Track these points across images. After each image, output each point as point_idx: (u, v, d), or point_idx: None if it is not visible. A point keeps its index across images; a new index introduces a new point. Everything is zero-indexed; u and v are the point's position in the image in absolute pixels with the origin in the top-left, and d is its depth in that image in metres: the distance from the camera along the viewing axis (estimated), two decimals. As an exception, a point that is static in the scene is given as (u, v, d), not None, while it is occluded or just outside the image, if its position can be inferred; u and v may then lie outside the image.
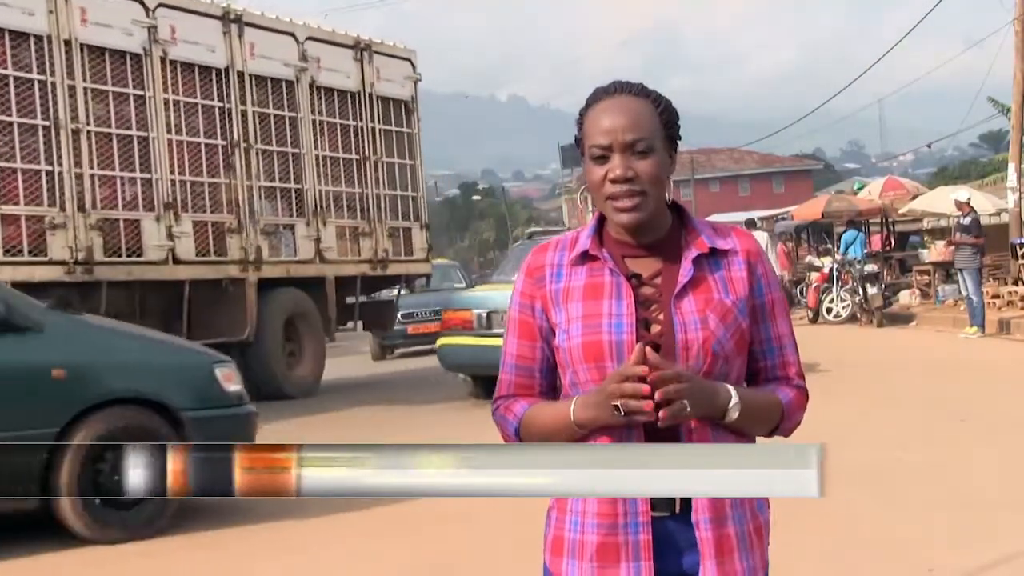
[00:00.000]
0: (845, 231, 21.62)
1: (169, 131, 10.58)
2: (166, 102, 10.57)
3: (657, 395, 1.81)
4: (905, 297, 21.31)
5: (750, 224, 22.42)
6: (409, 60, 14.17)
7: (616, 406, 1.83)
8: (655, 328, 1.95)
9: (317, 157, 12.43)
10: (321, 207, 12.36)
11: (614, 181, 1.94)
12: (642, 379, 1.82)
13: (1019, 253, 18.19)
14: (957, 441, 7.80)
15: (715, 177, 65.09)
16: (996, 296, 17.57)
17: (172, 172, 10.58)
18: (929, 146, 37.81)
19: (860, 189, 26.77)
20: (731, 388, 1.92)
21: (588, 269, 2.01)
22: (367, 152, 13.13)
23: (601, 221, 2.05)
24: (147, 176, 10.35)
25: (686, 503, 1.93)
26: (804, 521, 5.04)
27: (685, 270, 1.98)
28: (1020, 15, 18.85)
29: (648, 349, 1.85)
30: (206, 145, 11.11)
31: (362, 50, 13.18)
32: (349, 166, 12.94)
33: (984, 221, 17.35)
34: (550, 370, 2.07)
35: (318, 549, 5.82)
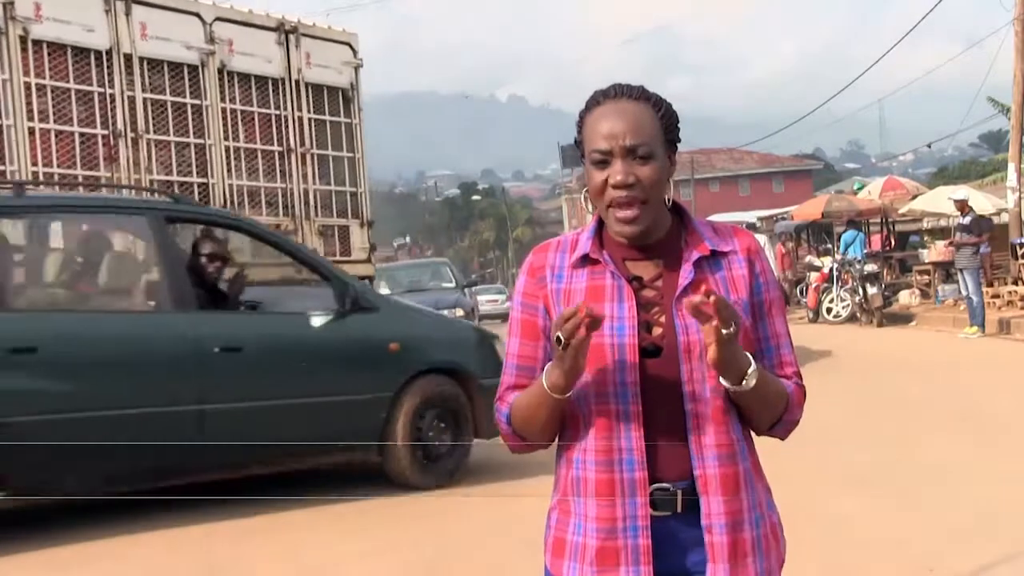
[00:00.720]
0: (845, 231, 21.61)
1: (32, 119, 9.43)
2: (27, 86, 9.42)
3: (711, 301, 1.78)
4: (905, 297, 21.32)
5: (750, 227, 22.45)
6: (348, 44, 12.88)
7: (558, 337, 1.82)
8: (657, 331, 1.95)
9: (228, 148, 11.20)
10: (233, 203, 11.12)
11: (616, 187, 1.94)
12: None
13: (1019, 253, 18.20)
14: (956, 441, 7.80)
15: (715, 177, 65.14)
16: (996, 296, 17.58)
17: (35, 164, 9.46)
18: (929, 146, 37.74)
19: (860, 189, 26.74)
20: (750, 355, 1.91)
21: (589, 272, 2.00)
22: (293, 143, 11.88)
23: (601, 223, 2.05)
24: (0, 168, 9.21)
25: (689, 503, 1.92)
26: (804, 522, 5.04)
27: (686, 272, 1.97)
28: (1020, 15, 18.85)
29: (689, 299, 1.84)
30: (82, 135, 9.93)
31: (287, 33, 11.94)
32: (270, 158, 11.69)
33: (984, 221, 17.35)
34: (552, 371, 2.06)
35: (320, 548, 5.82)
